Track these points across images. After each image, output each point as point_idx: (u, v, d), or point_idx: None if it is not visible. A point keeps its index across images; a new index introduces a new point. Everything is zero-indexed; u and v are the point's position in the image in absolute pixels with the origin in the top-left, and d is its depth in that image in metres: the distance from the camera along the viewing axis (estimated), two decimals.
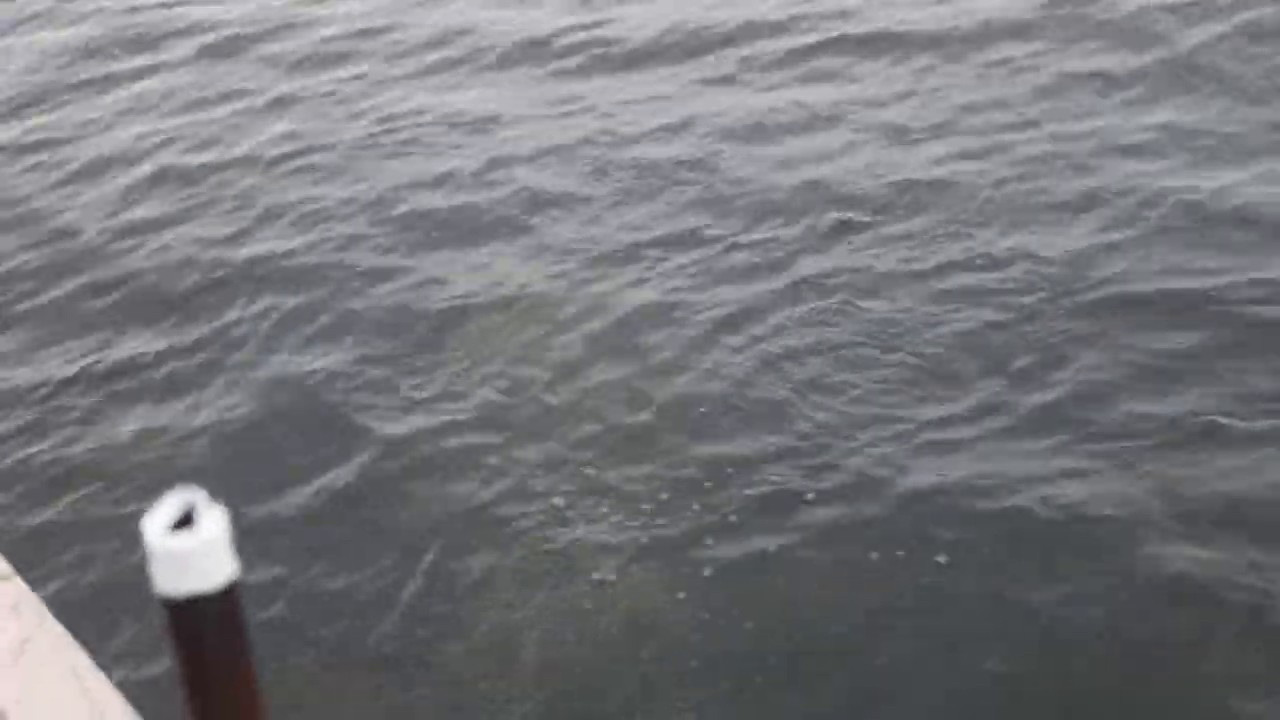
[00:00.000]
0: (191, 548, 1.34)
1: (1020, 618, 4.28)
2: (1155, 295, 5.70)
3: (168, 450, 5.36)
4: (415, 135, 7.98)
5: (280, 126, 8.32)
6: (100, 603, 4.37)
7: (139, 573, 4.61)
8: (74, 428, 5.55)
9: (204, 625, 1.38)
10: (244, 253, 6.88)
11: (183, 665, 1.41)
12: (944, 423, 5.19)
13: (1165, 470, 4.80)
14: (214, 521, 1.36)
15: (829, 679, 4.16)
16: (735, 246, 6.45)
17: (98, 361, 6.04)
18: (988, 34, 8.32)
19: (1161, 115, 7.09)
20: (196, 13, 10.40)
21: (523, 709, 4.14)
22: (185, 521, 1.36)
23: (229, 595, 1.38)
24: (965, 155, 7.02)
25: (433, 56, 9.10)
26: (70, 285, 6.72)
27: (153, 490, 4.99)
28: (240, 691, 1.41)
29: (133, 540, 4.73)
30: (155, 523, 1.35)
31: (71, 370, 5.99)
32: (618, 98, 8.20)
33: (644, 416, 5.38)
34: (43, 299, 6.70)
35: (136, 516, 4.50)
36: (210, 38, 9.91)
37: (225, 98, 8.89)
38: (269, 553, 4.70)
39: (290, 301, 6.34)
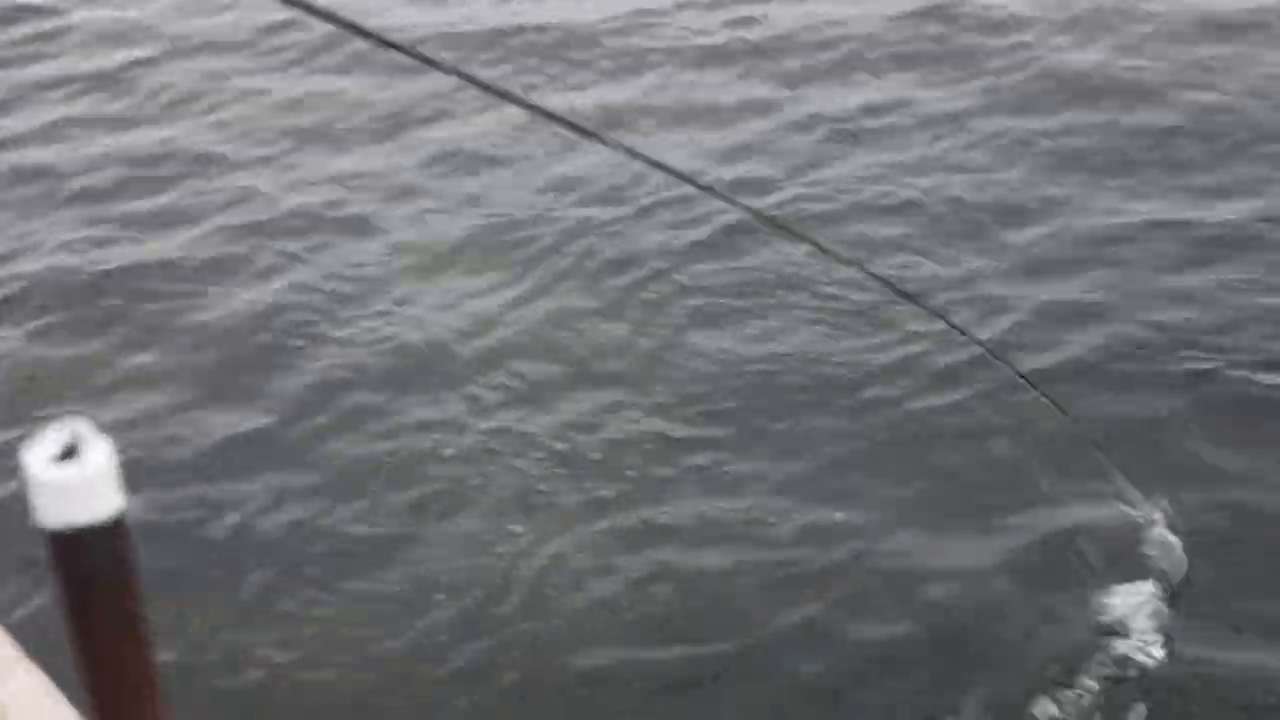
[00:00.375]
0: (76, 479, 1.30)
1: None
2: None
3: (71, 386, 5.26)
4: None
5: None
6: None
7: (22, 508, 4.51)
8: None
9: (89, 558, 1.33)
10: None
11: (66, 599, 1.36)
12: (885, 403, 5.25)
13: None
14: (99, 453, 1.31)
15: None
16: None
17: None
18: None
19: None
20: None
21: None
22: (70, 453, 1.31)
23: (115, 529, 1.34)
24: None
25: None
26: None
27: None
28: (127, 626, 1.37)
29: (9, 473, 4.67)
30: (37, 453, 1.30)
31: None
32: None
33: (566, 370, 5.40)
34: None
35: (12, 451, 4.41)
36: None
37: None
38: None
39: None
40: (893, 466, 4.89)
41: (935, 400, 5.19)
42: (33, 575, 4.19)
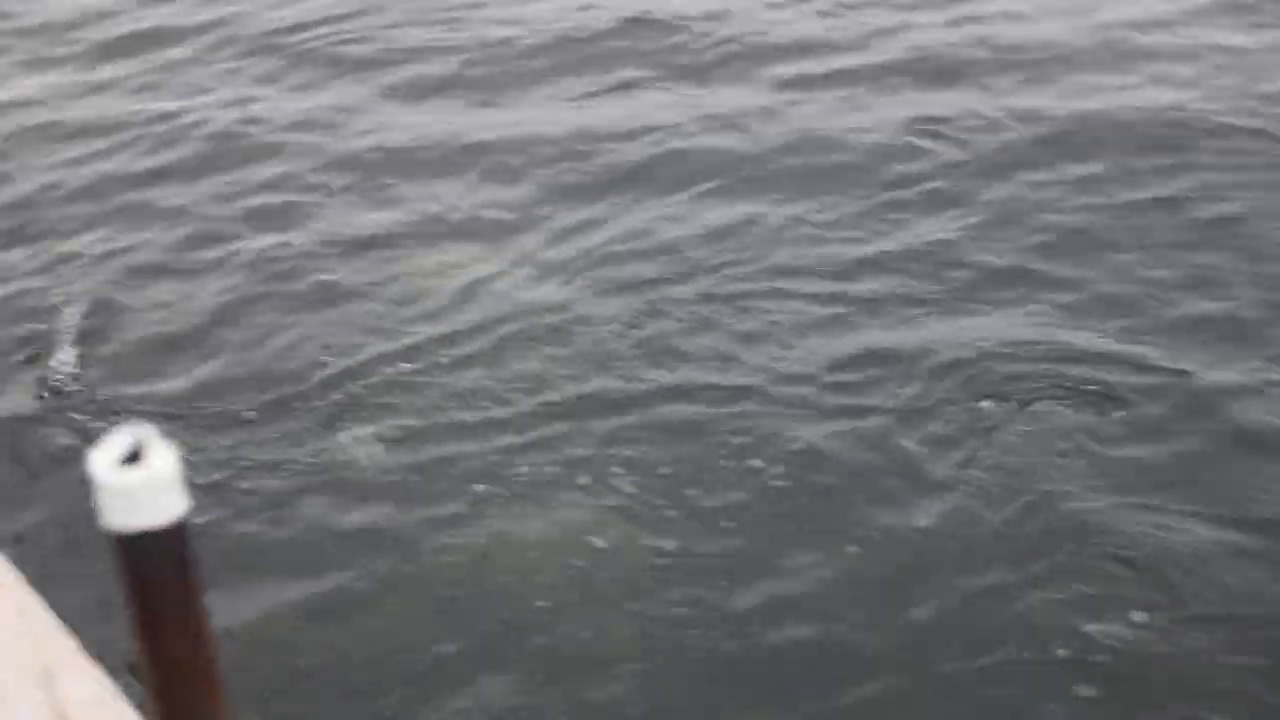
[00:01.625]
0: (141, 483, 1.33)
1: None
2: None
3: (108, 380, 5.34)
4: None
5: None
6: (48, 540, 4.34)
7: (85, 509, 4.59)
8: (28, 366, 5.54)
9: (153, 561, 1.37)
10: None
11: (131, 601, 1.40)
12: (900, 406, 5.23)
13: None
14: (164, 457, 1.34)
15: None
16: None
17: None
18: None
19: None
20: None
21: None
22: (134, 457, 1.34)
23: (178, 531, 1.37)
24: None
25: None
26: None
27: (97, 420, 5.00)
28: (190, 629, 1.40)
29: (78, 476, 4.73)
30: (103, 458, 1.34)
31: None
32: None
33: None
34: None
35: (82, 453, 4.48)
36: None
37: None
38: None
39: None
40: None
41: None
42: (91, 575, 4.24)
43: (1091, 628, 4.12)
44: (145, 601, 1.39)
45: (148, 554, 1.36)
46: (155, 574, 1.38)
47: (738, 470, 4.83)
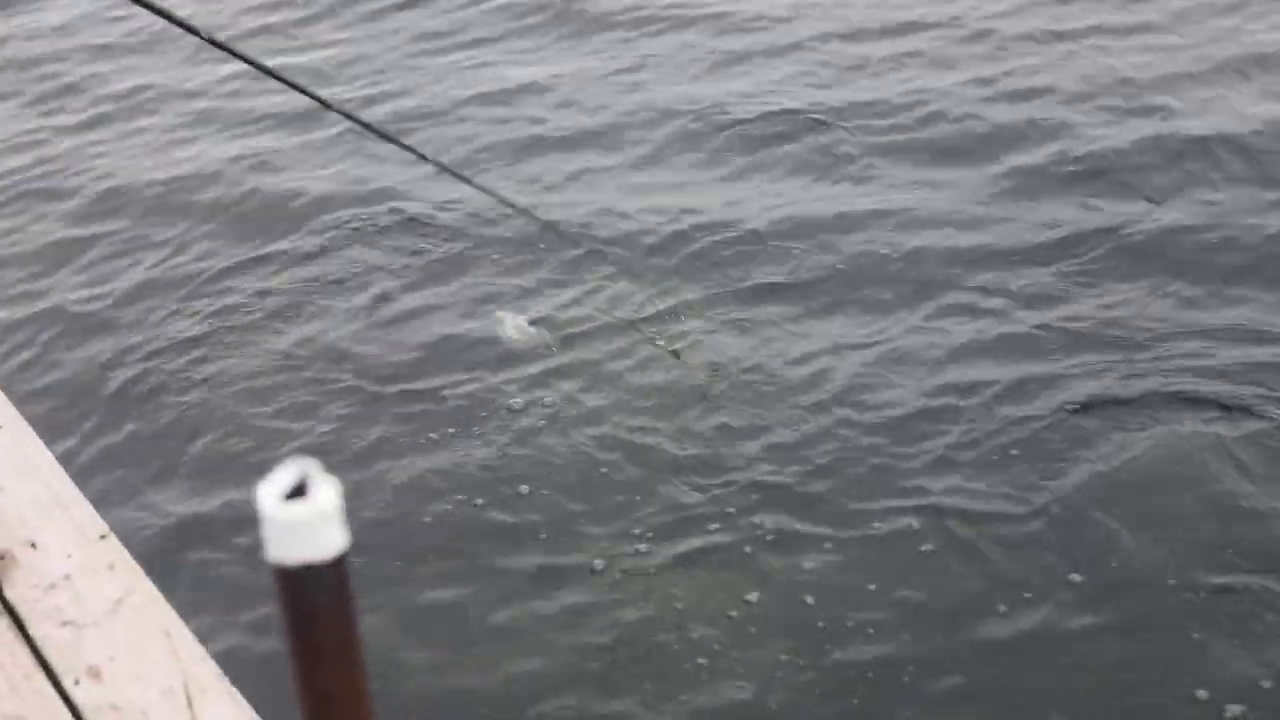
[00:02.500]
0: (306, 517, 1.36)
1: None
2: None
3: (254, 415, 5.44)
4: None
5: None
6: (192, 565, 4.45)
7: (231, 537, 4.70)
8: (176, 391, 5.67)
9: (315, 593, 1.40)
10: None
11: (290, 631, 1.43)
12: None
13: None
14: (327, 492, 1.38)
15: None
16: None
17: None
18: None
19: None
20: None
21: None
22: (299, 491, 1.38)
23: (339, 565, 1.40)
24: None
25: None
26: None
27: (251, 454, 5.11)
28: (346, 659, 1.43)
29: (226, 505, 4.87)
30: (270, 491, 1.37)
31: (176, 323, 6.11)
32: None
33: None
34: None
35: (232, 480, 4.60)
36: None
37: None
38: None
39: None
40: None
41: None
42: (237, 602, 4.35)
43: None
44: (304, 632, 1.42)
45: (309, 586, 1.39)
46: (315, 606, 1.41)
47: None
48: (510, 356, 5.72)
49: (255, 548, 4.59)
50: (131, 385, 5.69)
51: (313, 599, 1.40)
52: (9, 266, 6.89)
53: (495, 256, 6.53)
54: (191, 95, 8.87)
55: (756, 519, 4.78)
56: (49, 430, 3.40)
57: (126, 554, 3.01)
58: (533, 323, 5.88)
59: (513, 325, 5.87)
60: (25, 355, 6.01)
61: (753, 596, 4.47)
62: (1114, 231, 6.29)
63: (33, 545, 3.00)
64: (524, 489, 4.97)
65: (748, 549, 4.67)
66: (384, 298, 6.23)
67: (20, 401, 3.61)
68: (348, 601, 1.42)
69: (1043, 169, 6.87)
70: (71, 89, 9.30)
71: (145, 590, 2.94)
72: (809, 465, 5.02)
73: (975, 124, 7.38)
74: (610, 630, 4.34)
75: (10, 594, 2.88)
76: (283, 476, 1.39)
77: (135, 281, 6.59)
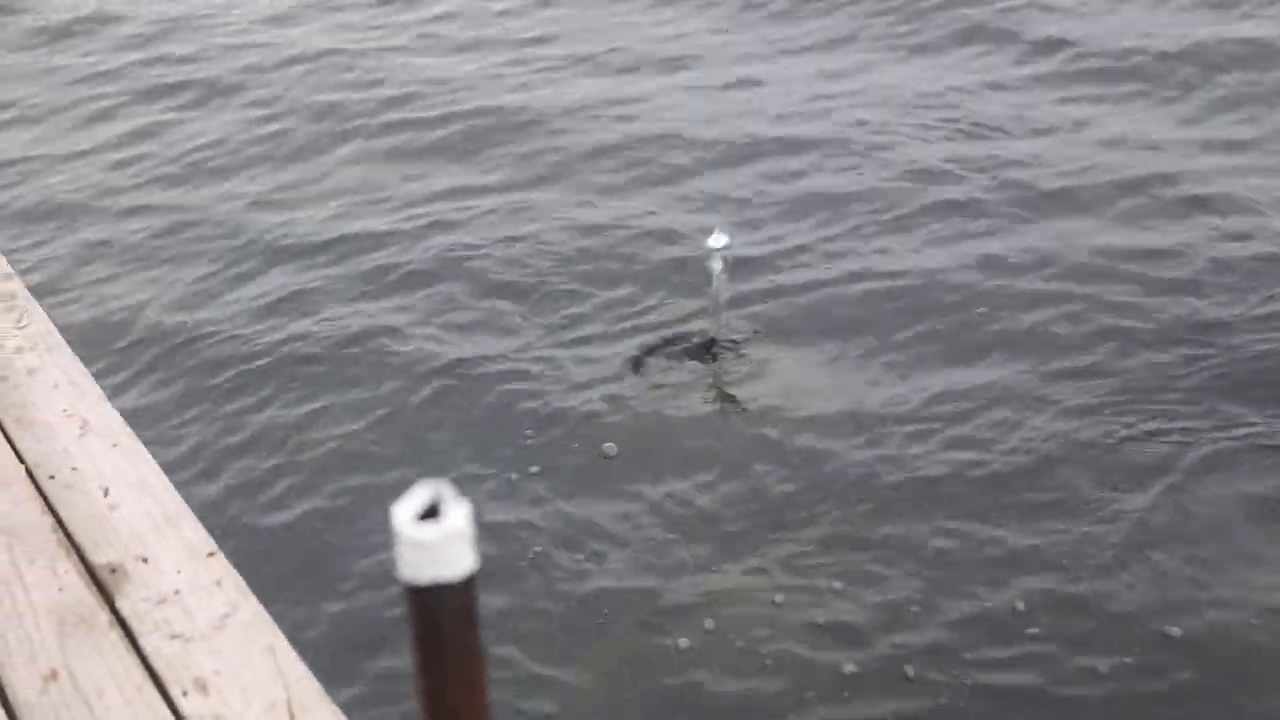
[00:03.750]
0: (438, 537, 1.41)
1: None
2: None
3: (359, 435, 5.55)
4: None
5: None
6: (297, 583, 4.54)
7: (335, 555, 4.77)
8: (274, 407, 5.80)
9: (444, 613, 1.45)
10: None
11: (417, 649, 1.48)
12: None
13: None
14: (459, 514, 1.42)
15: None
16: None
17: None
18: None
19: None
20: None
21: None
22: (431, 512, 1.43)
23: (467, 586, 1.45)
24: None
25: None
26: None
27: (349, 476, 5.21)
28: (470, 679, 1.48)
29: (332, 524, 4.96)
30: (404, 511, 1.42)
31: (280, 348, 6.25)
32: None
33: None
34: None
35: (339, 502, 4.67)
36: None
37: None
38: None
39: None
40: None
41: None
42: (340, 620, 4.43)
43: None
44: (431, 650, 1.47)
45: (438, 606, 1.44)
46: (443, 625, 1.45)
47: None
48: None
49: (361, 567, 4.69)
50: (243, 403, 5.81)
51: (441, 618, 1.45)
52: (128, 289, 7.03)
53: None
54: None
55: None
56: (162, 447, 3.48)
57: (233, 571, 3.09)
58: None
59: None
60: (134, 371, 6.15)
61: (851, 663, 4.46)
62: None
63: (144, 560, 3.09)
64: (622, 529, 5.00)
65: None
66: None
67: (132, 417, 3.71)
68: (475, 621, 1.47)
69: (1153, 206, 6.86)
70: None
71: (251, 607, 3.01)
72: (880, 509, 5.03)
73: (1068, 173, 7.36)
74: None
75: (123, 606, 2.97)
76: (416, 497, 1.44)
77: (255, 304, 6.69)
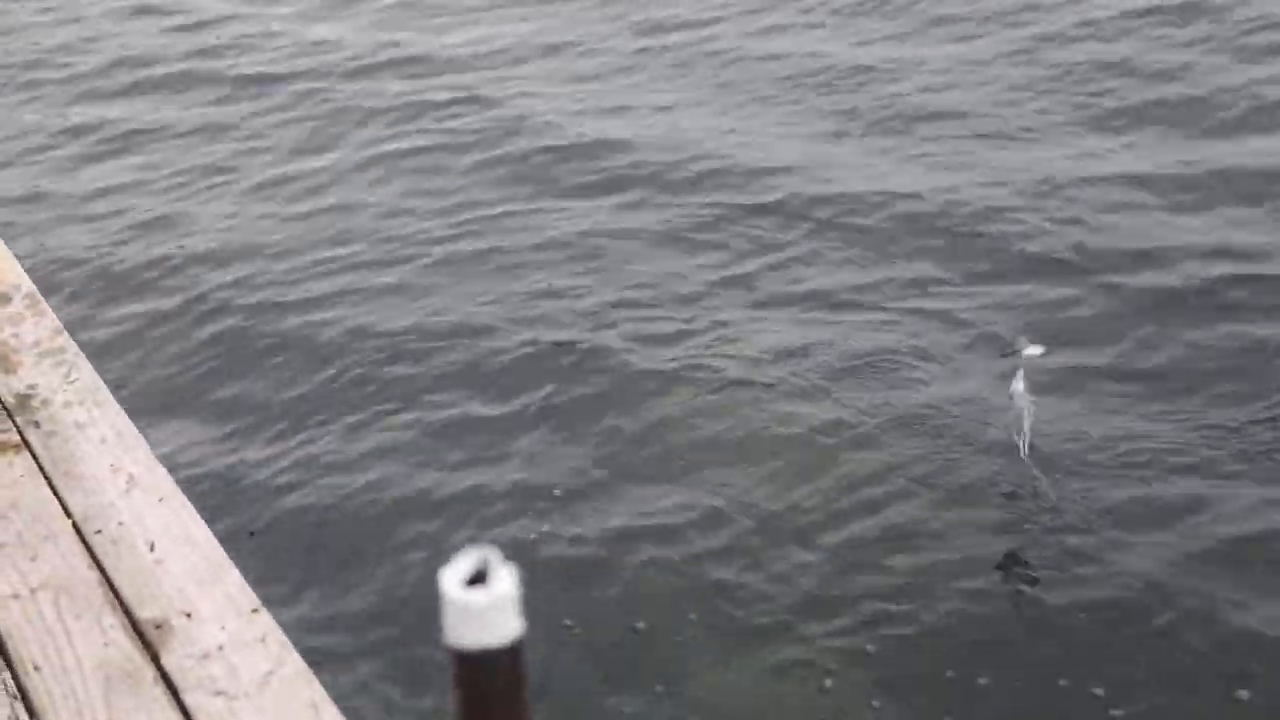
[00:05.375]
0: (484, 604, 1.42)
1: None
2: None
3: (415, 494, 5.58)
4: None
5: None
6: (341, 643, 4.55)
7: (378, 617, 4.79)
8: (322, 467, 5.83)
9: (490, 677, 1.45)
10: None
11: (464, 713, 1.48)
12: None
13: None
14: (505, 580, 1.43)
15: None
16: None
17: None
18: None
19: None
20: None
21: None
22: (479, 578, 1.44)
23: (514, 651, 1.45)
24: None
25: None
26: None
27: (396, 531, 5.22)
28: None
29: (373, 580, 4.97)
30: (451, 577, 1.43)
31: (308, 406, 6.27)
32: None
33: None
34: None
35: (380, 560, 4.69)
36: None
37: None
38: None
39: None
40: None
41: None
42: (383, 679, 4.43)
43: None
44: (477, 715, 1.47)
45: (485, 671, 1.45)
46: (490, 690, 1.46)
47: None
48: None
49: (402, 627, 4.69)
50: (287, 468, 5.84)
51: (488, 683, 1.46)
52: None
53: None
54: None
55: None
56: (206, 505, 3.50)
57: (277, 628, 3.09)
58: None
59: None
60: (176, 429, 6.20)
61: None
62: None
63: (189, 615, 3.10)
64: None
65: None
66: None
67: (176, 471, 3.73)
68: (521, 686, 1.48)
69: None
70: None
71: (294, 663, 3.01)
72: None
73: None
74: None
75: (167, 662, 2.98)
76: (464, 563, 1.45)
77: (303, 389, 6.64)
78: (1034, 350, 4.93)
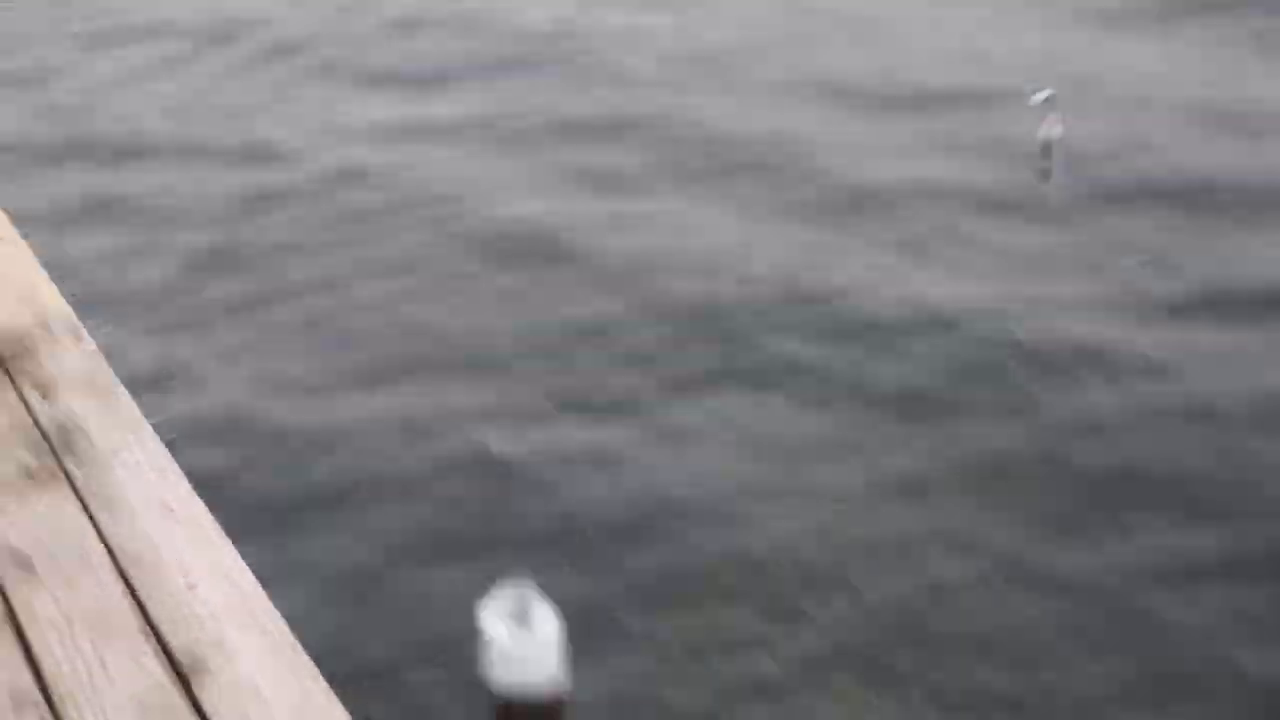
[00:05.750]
0: (527, 646, 1.43)
1: None
2: None
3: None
4: None
5: None
6: (375, 678, 4.53)
7: (412, 652, 4.73)
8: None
9: (530, 714, 1.45)
10: None
11: None
12: None
13: None
14: (547, 622, 1.44)
15: None
16: None
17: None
18: None
19: None
20: None
21: None
22: (521, 619, 1.44)
23: (554, 692, 1.45)
24: None
25: None
26: None
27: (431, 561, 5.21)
28: None
29: (400, 601, 4.95)
30: (494, 617, 1.44)
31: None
32: None
33: None
34: None
35: (414, 583, 4.63)
36: None
37: None
38: None
39: None
40: None
41: None
42: (419, 714, 4.40)
43: None
44: None
45: (527, 710, 1.45)
46: None
47: None
48: None
49: (435, 663, 4.66)
50: (325, 494, 5.84)
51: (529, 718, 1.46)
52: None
53: None
54: None
55: None
56: (242, 535, 3.51)
57: (310, 662, 3.09)
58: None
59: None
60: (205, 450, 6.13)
61: None
62: None
63: (223, 648, 3.11)
64: None
65: None
66: None
67: (208, 496, 3.72)
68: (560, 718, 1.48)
69: None
70: None
71: (325, 697, 3.01)
72: None
73: None
74: None
75: (201, 696, 2.98)
76: (505, 603, 1.46)
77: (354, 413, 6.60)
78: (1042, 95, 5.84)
